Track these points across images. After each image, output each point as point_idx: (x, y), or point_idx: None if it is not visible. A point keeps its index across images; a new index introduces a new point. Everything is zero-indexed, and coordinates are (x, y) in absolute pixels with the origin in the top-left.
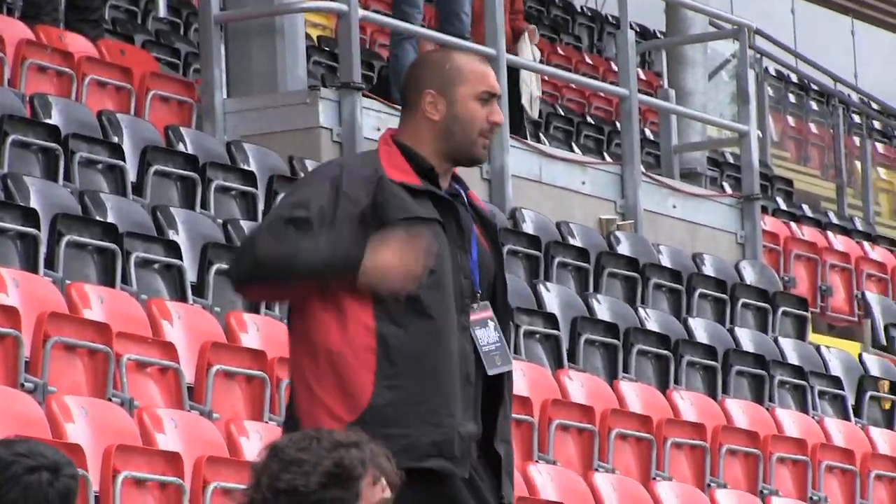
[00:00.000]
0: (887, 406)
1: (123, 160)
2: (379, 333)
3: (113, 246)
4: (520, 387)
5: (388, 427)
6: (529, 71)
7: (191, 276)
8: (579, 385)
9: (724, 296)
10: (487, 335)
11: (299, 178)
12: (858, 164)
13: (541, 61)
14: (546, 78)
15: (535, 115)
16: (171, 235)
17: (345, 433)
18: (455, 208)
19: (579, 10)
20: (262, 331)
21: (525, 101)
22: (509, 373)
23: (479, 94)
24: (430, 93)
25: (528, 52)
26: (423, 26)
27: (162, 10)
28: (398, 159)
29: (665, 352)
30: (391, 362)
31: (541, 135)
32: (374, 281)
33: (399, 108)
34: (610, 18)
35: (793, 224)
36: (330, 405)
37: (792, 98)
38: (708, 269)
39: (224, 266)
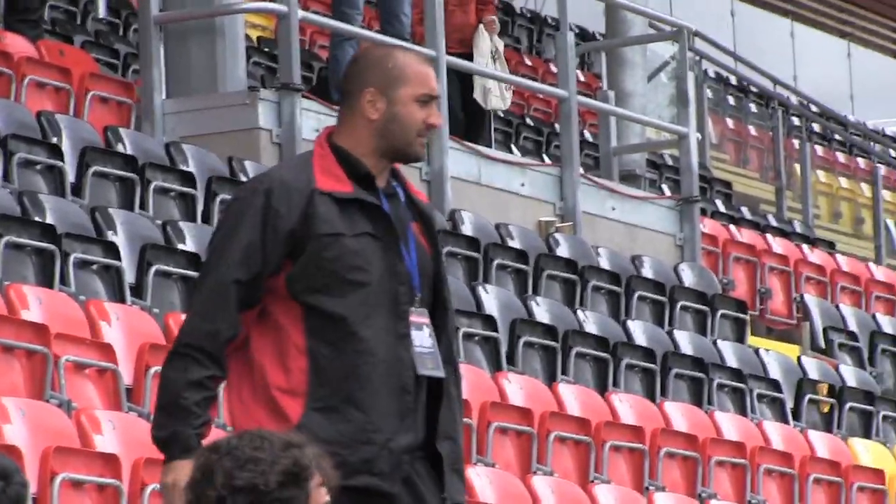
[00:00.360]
0: (826, 409)
1: (62, 161)
2: (310, 353)
3: (51, 247)
4: None
5: (316, 445)
6: (484, 63)
7: (129, 277)
8: (518, 387)
9: (662, 298)
10: (422, 339)
11: (239, 182)
12: (798, 166)
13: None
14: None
15: (499, 105)
16: (110, 236)
17: (289, 434)
18: (387, 215)
19: (518, 11)
20: None
21: (478, 94)
22: (456, 372)
23: (420, 95)
24: (371, 91)
25: (486, 43)
26: (362, 27)
27: (101, 11)
28: (331, 164)
29: (604, 354)
30: (321, 383)
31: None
32: (164, 478)
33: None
34: (549, 20)
35: (732, 226)
36: (260, 421)
37: (731, 100)
38: (647, 272)
39: (163, 267)
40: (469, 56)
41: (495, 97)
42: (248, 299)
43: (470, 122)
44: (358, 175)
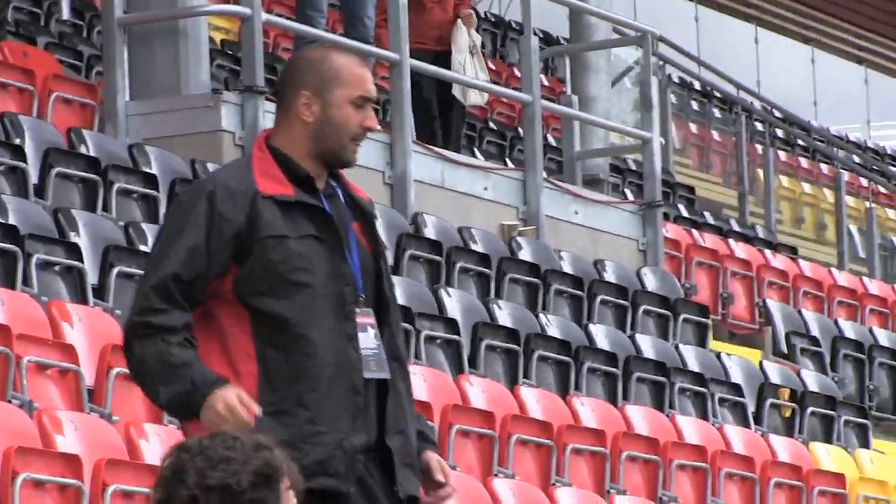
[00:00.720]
0: (787, 414)
1: (25, 162)
2: (259, 359)
3: (14, 248)
4: (420, 392)
5: None
6: (462, 58)
7: (92, 278)
8: (480, 391)
9: (625, 302)
10: (367, 340)
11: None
12: (760, 171)
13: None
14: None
15: (479, 101)
16: (73, 238)
17: (258, 436)
18: (329, 216)
19: (482, 15)
20: None
21: (457, 91)
22: (403, 367)
23: (355, 98)
24: (305, 94)
25: (464, 38)
26: (326, 30)
27: (65, 13)
28: (271, 167)
29: (566, 358)
30: (272, 388)
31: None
32: (213, 416)
33: None
34: (513, 24)
35: (694, 231)
36: None
37: (695, 105)
38: (609, 276)
39: (125, 269)
40: (447, 53)
41: (474, 93)
42: (189, 299)
43: (446, 119)
44: (298, 177)
